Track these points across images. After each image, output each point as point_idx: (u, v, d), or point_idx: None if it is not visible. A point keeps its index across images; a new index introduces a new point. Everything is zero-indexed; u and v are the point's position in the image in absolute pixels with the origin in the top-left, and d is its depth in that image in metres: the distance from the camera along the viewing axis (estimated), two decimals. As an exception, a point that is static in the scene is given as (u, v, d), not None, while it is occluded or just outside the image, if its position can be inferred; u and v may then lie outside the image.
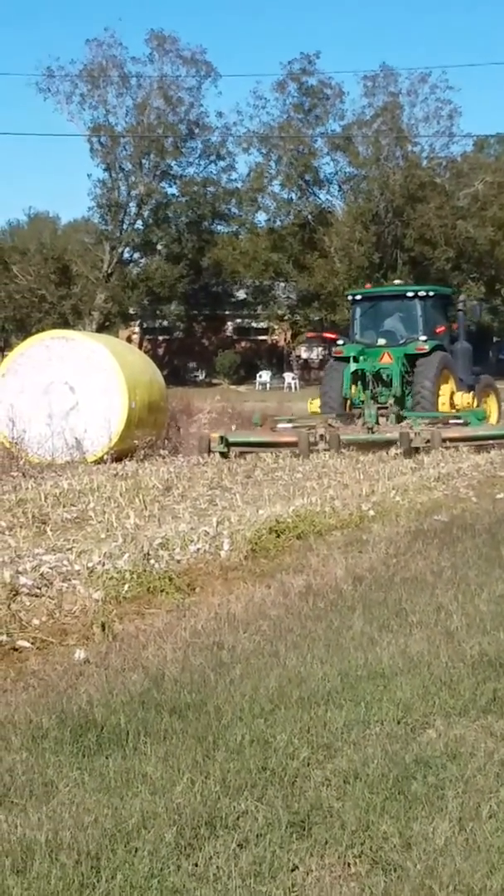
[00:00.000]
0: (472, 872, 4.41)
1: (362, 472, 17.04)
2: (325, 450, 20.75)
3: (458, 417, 24.32)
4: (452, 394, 25.61)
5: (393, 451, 20.42)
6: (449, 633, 7.73)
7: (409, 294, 27.04)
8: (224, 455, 21.00)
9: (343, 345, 26.32)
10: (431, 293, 27.37)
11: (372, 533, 12.18)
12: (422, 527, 12.52)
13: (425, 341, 25.24)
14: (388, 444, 21.15)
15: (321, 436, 21.43)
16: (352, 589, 9.32)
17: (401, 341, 25.82)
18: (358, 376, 25.14)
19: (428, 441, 21.05)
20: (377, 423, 23.03)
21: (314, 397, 27.35)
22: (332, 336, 31.57)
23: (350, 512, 13.40)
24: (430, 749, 5.66)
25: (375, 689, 6.53)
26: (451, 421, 23.78)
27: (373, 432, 22.44)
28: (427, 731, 5.97)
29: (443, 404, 25.12)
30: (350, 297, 28.40)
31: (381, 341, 25.81)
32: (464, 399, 25.67)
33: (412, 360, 25.11)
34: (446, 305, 28.30)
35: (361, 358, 25.20)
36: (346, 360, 25.44)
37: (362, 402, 24.65)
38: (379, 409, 23.85)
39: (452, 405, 25.36)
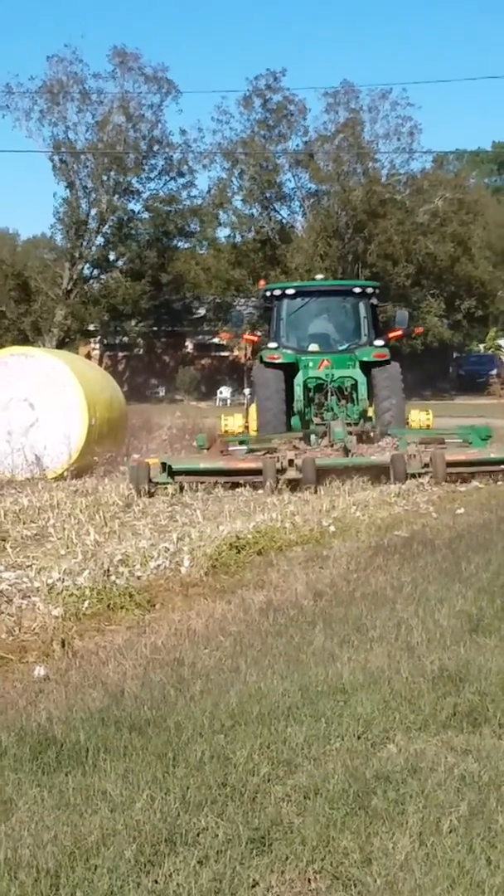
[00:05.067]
0: (432, 887, 4.41)
1: (322, 487, 17.03)
2: (295, 479, 17.44)
3: (456, 435, 20.85)
4: (409, 410, 22.09)
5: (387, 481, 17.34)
6: (409, 648, 7.73)
7: (356, 290, 23.10)
8: (167, 485, 17.48)
9: (276, 349, 21.98)
10: (378, 290, 23.66)
11: (332, 548, 12.19)
12: (382, 542, 12.53)
13: (383, 347, 21.86)
14: (373, 469, 17.91)
15: (290, 461, 17.90)
16: (312, 604, 9.32)
17: (340, 346, 22.38)
18: (308, 388, 21.19)
19: (426, 465, 17.83)
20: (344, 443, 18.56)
21: (228, 414, 23.73)
22: (255, 338, 25.89)
23: (310, 527, 13.42)
24: (391, 764, 5.66)
25: (336, 704, 6.53)
26: (446, 440, 20.24)
27: (350, 455, 18.40)
28: (387, 746, 5.97)
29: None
30: (277, 292, 23.10)
31: (314, 346, 22.25)
32: (421, 416, 22.00)
33: (366, 368, 21.38)
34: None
35: (311, 364, 21.38)
36: (279, 367, 21.47)
37: (315, 417, 20.97)
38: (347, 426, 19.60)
39: (407, 423, 21.44)
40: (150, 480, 17.16)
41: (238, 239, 71.07)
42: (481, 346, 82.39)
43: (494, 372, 71.72)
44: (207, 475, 17.87)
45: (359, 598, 9.50)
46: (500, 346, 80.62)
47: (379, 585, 9.98)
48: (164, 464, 18.01)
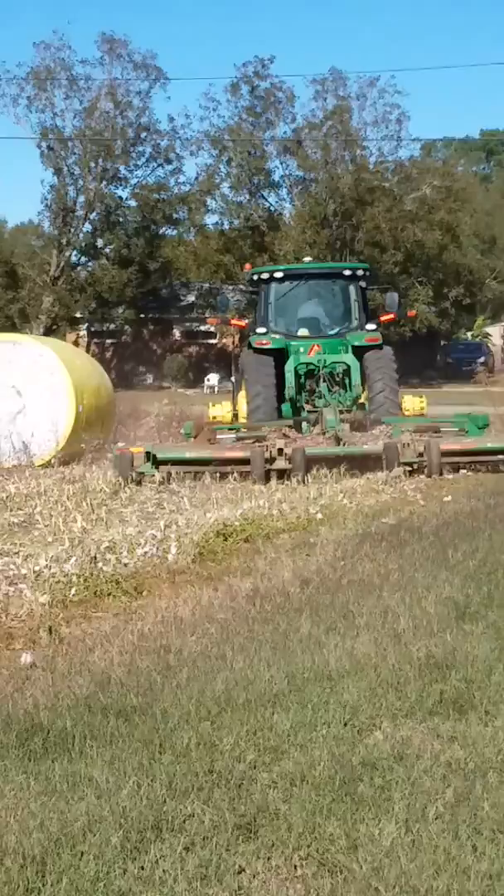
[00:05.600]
0: (418, 873, 4.42)
1: (310, 475, 16.98)
2: (285, 469, 16.88)
3: (452, 423, 20.20)
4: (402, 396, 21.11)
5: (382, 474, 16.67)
6: (396, 636, 7.73)
7: (346, 272, 22.30)
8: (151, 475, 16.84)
9: (265, 334, 21.10)
10: (368, 272, 22.98)
11: (319, 536, 12.19)
12: (369, 530, 12.54)
13: (374, 331, 21.00)
14: (366, 459, 17.32)
15: (280, 450, 17.12)
16: (299, 592, 9.32)
17: (331, 331, 21.61)
18: (299, 374, 20.54)
19: (421, 455, 17.23)
20: (336, 431, 18.13)
21: (216, 402, 22.75)
22: (243, 324, 25.62)
23: (298, 515, 13.42)
24: (377, 751, 5.66)
25: (322, 691, 6.53)
26: (442, 428, 19.48)
27: (342, 443, 17.88)
28: (374, 733, 5.98)
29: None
30: (264, 276, 22.44)
31: (303, 331, 21.53)
32: (415, 403, 20.95)
33: (358, 353, 20.56)
34: None
35: (301, 349, 20.67)
36: (269, 353, 20.66)
37: (306, 404, 20.34)
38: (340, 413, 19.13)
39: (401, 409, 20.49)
40: (133, 471, 16.74)
41: (226, 226, 71.03)
42: (469, 334, 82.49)
43: (482, 360, 71.82)
44: (193, 465, 17.38)
45: (345, 585, 9.50)
46: (488, 334, 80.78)
47: (366, 573, 9.98)
48: (148, 453, 17.56)
